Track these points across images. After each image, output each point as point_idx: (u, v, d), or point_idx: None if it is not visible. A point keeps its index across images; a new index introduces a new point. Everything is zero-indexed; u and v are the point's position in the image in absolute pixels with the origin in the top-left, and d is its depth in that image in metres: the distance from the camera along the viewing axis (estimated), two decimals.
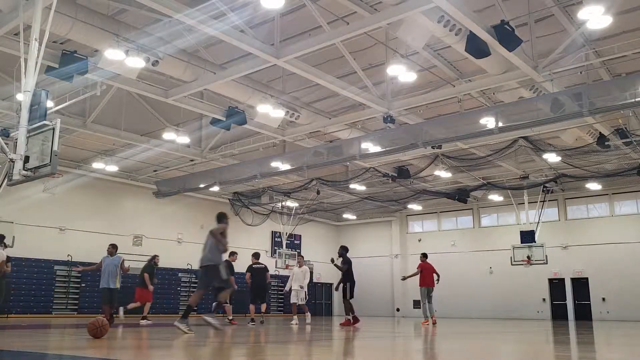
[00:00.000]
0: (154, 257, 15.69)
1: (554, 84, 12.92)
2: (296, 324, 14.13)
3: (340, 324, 13.87)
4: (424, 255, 15.37)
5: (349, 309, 13.74)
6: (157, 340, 8.41)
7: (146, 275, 14.96)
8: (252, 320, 14.41)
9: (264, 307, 15.34)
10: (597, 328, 15.14)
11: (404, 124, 16.07)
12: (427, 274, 14.80)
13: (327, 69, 13.29)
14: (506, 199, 25.19)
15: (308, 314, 15.42)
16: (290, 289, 15.17)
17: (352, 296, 13.75)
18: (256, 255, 14.94)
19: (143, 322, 14.39)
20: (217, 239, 9.42)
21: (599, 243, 23.87)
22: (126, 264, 12.16)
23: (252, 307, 14.91)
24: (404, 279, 16.02)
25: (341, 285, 13.92)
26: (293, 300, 15.09)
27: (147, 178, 22.32)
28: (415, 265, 15.65)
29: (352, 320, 13.65)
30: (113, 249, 12.13)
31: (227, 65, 13.37)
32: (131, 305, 15.13)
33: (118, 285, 11.86)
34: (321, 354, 6.57)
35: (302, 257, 16.35)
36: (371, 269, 29.98)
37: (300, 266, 15.39)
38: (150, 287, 14.97)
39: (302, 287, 14.85)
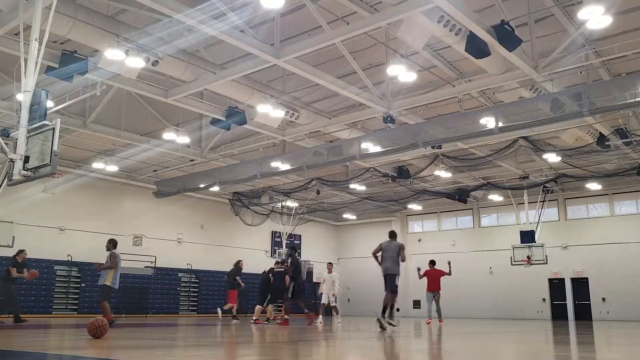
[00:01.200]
0: (239, 261, 17.48)
1: (554, 84, 12.92)
2: (321, 322, 15.13)
3: (278, 323, 14.18)
4: (431, 263, 16.43)
5: (288, 309, 14.42)
6: (157, 340, 8.41)
7: (237, 278, 16.86)
8: (267, 319, 15.43)
9: (271, 308, 16.04)
10: (597, 328, 15.14)
11: (404, 124, 16.07)
12: (431, 280, 15.99)
13: (327, 69, 13.28)
14: (506, 199, 25.18)
15: (337, 315, 16.87)
16: (322, 292, 16.77)
17: (292, 296, 14.24)
18: (282, 262, 16.03)
19: (234, 321, 16.10)
20: (402, 254, 11.64)
21: (599, 243, 23.85)
22: (105, 260, 11.67)
23: (269, 307, 15.79)
24: (419, 269, 16.79)
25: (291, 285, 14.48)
26: (324, 301, 16.55)
27: (147, 178, 22.31)
28: (415, 265, 16.19)
29: (286, 320, 14.03)
30: (109, 243, 11.88)
31: (227, 65, 13.37)
32: (227, 306, 17.15)
33: (108, 282, 11.50)
34: (322, 353, 6.57)
35: (332, 263, 17.60)
36: (371, 269, 29.92)
37: (329, 272, 16.67)
38: (242, 284, 16.92)
39: (332, 291, 16.37)
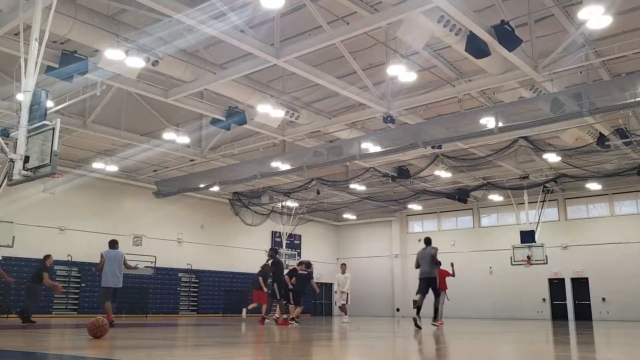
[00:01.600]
0: (265, 264, 17.53)
1: (554, 84, 12.91)
2: (347, 321, 16.33)
3: (278, 323, 14.24)
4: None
5: (284, 309, 14.62)
6: (157, 340, 8.41)
7: (260, 279, 17.14)
8: (295, 319, 15.53)
9: (299, 309, 16.17)
10: (597, 328, 15.14)
11: (404, 124, 16.07)
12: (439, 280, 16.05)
13: (327, 69, 13.28)
14: (506, 199, 25.18)
15: (345, 315, 17.46)
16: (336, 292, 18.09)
17: (277, 297, 14.38)
18: (307, 265, 16.35)
19: (244, 315, 17.26)
20: (435, 258, 12.53)
21: (599, 243, 23.86)
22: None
23: (294, 307, 15.98)
24: None
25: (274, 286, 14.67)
26: (339, 303, 17.61)
27: (147, 178, 22.32)
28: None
29: (286, 319, 14.20)
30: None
31: (227, 65, 13.37)
32: (251, 306, 17.70)
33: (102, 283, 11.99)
34: (322, 353, 6.58)
35: (345, 264, 18.26)
36: (371, 269, 30.01)
37: (343, 273, 17.41)
38: (264, 289, 16.88)
39: (343, 292, 17.21)
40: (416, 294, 12.50)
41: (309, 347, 7.51)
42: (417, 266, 12.66)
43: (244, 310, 18.18)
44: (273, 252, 14.65)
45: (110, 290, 11.75)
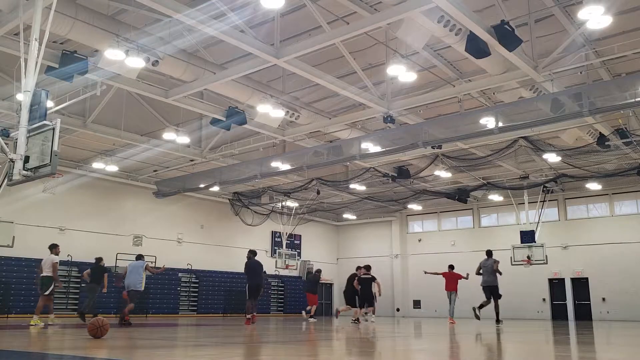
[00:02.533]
0: (319, 269, 20.75)
1: (554, 84, 12.92)
2: (366, 320, 17.21)
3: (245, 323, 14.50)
4: (450, 267, 17.84)
5: (248, 308, 14.77)
6: (157, 340, 8.41)
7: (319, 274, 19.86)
8: (357, 320, 16.16)
9: (372, 308, 17.26)
10: (597, 328, 15.14)
11: (404, 124, 16.07)
12: (448, 281, 17.41)
13: (327, 69, 13.28)
14: (506, 199, 25.18)
15: (372, 315, 18.19)
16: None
17: (248, 296, 14.53)
18: (367, 267, 16.82)
19: (311, 320, 18.40)
20: (497, 267, 14.99)
21: (599, 243, 23.87)
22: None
23: (359, 310, 16.84)
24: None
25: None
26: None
27: (147, 178, 22.32)
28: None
29: (248, 319, 14.35)
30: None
31: (227, 65, 13.37)
32: (313, 309, 19.50)
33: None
34: (323, 353, 6.58)
35: (363, 268, 18.79)
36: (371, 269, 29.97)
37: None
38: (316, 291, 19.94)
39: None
40: (486, 300, 14.92)
41: (309, 347, 7.51)
42: (478, 272, 15.00)
43: (304, 312, 19.78)
44: (251, 255, 14.73)
45: (129, 292, 13.24)
